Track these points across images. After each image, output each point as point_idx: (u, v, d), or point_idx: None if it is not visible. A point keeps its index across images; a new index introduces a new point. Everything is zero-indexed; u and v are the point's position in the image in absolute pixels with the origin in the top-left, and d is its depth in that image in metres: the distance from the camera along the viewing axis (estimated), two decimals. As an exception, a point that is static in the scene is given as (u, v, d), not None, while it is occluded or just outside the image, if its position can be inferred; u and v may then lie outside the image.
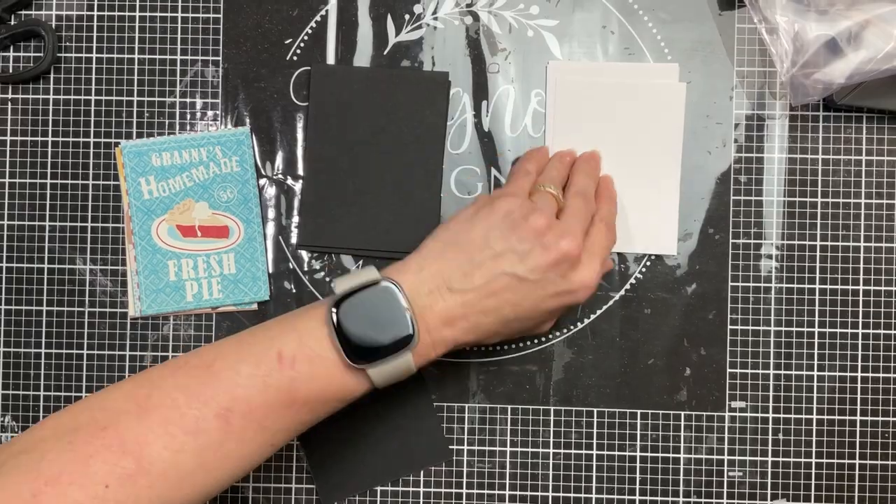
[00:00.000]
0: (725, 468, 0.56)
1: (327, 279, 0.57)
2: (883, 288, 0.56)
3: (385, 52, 0.57)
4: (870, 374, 0.56)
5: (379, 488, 0.56)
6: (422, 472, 0.56)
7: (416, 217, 0.56)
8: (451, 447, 0.56)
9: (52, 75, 0.57)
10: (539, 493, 0.56)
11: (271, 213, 0.57)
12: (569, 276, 0.48)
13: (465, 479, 0.56)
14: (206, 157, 0.57)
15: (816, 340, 0.56)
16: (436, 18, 0.57)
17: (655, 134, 0.56)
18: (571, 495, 0.56)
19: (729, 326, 0.56)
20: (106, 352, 0.57)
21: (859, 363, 0.56)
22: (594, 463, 0.56)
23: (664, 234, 0.56)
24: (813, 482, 0.56)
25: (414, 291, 0.46)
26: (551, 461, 0.56)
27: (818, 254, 0.56)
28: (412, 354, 0.45)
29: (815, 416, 0.56)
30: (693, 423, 0.56)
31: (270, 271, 0.57)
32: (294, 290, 0.57)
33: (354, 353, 0.44)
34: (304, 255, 0.57)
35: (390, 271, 0.47)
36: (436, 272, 0.47)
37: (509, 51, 0.57)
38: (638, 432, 0.56)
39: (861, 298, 0.56)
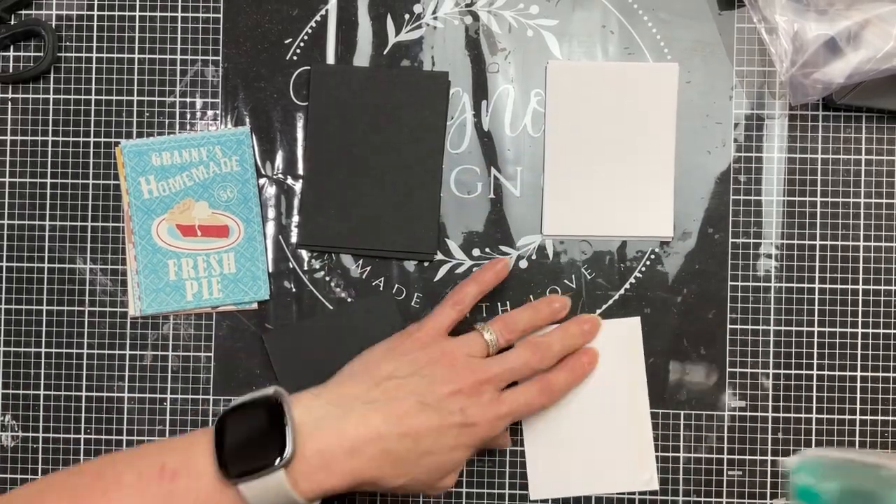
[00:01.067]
0: (725, 467, 0.56)
1: (327, 278, 0.57)
2: (883, 288, 0.56)
3: (385, 52, 0.57)
4: (869, 374, 0.56)
5: (379, 488, 0.56)
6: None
7: (416, 217, 0.56)
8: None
9: (52, 75, 0.57)
10: (539, 493, 0.56)
11: (271, 213, 0.57)
12: (466, 410, 0.48)
13: (464, 479, 0.56)
14: (206, 156, 0.57)
15: (816, 340, 0.56)
16: (435, 18, 0.57)
17: (650, 120, 0.56)
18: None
19: (728, 326, 0.56)
20: (106, 351, 0.57)
21: (859, 363, 0.56)
22: (594, 462, 0.56)
23: (661, 218, 0.56)
24: (812, 482, 0.56)
25: (305, 412, 0.46)
26: (551, 461, 0.56)
27: (818, 253, 0.56)
28: (286, 473, 0.44)
29: (814, 416, 0.56)
30: (692, 423, 0.56)
31: (270, 271, 0.57)
32: (294, 290, 0.57)
33: (228, 466, 0.43)
34: (304, 254, 0.57)
35: (293, 395, 0.47)
36: (337, 397, 0.47)
37: (509, 50, 0.57)
38: (637, 432, 0.56)
39: (861, 298, 0.56)
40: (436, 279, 0.57)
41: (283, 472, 0.44)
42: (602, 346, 0.55)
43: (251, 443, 0.44)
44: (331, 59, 0.57)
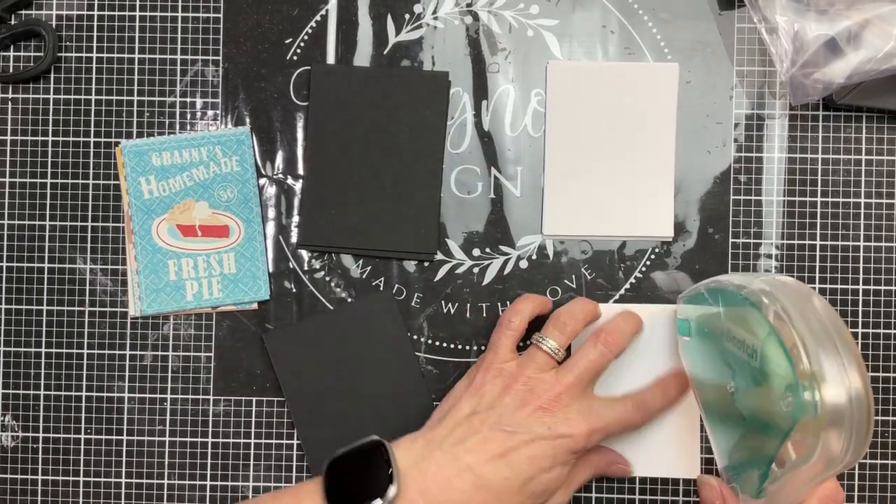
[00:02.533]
0: (725, 468, 0.56)
1: (327, 279, 0.57)
2: (883, 288, 0.56)
3: (385, 52, 0.57)
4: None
5: (379, 488, 0.56)
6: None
7: (416, 217, 0.56)
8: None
9: (52, 75, 0.57)
10: (539, 493, 0.56)
11: (271, 213, 0.57)
12: (554, 426, 0.49)
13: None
14: (207, 156, 0.57)
15: (816, 340, 0.56)
16: (436, 18, 0.57)
17: (650, 120, 0.56)
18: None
19: (729, 326, 0.56)
20: (106, 351, 0.57)
21: (859, 363, 0.56)
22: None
23: (661, 218, 0.56)
24: (813, 482, 0.56)
25: (405, 455, 0.48)
26: (551, 461, 0.56)
27: (818, 253, 0.56)
28: None
29: (814, 416, 0.56)
30: (693, 423, 0.56)
31: (270, 271, 0.57)
32: (294, 290, 0.57)
33: None
34: (305, 254, 0.57)
35: (393, 441, 0.49)
36: (429, 440, 0.49)
37: (509, 50, 0.57)
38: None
39: (861, 298, 0.56)
40: (436, 279, 0.57)
41: None
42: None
43: (359, 486, 0.46)
44: (331, 59, 0.57)
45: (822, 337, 0.42)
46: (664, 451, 0.55)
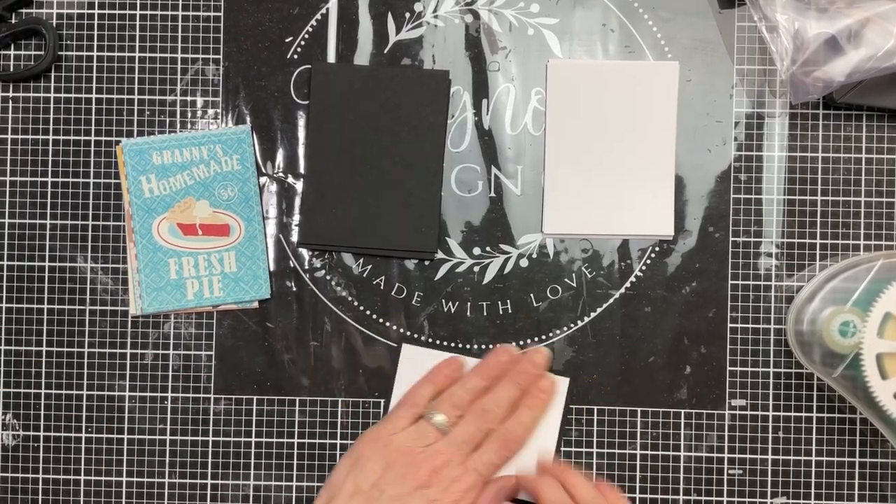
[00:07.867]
0: (725, 466, 0.56)
1: (328, 277, 0.57)
2: (883, 286, 0.56)
3: (385, 51, 0.57)
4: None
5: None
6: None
7: (416, 215, 0.56)
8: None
9: (52, 73, 0.57)
10: (539, 491, 0.56)
11: (272, 212, 0.57)
12: (433, 499, 0.49)
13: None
14: (207, 155, 0.57)
15: (816, 338, 0.56)
16: (436, 17, 0.57)
17: (651, 118, 0.56)
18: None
19: (729, 324, 0.56)
20: (107, 350, 0.57)
21: (859, 361, 0.56)
22: (594, 461, 0.56)
23: (661, 217, 0.56)
24: (813, 480, 0.56)
25: None
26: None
27: (818, 252, 0.56)
28: None
29: (814, 414, 0.56)
30: (693, 421, 0.56)
31: (271, 269, 0.57)
32: (295, 289, 0.57)
33: None
34: (305, 253, 0.57)
35: None
36: None
37: (509, 49, 0.57)
38: (638, 430, 0.56)
39: (861, 296, 0.56)
40: (436, 278, 0.57)
41: None
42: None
43: None
44: (331, 57, 0.57)
45: None
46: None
